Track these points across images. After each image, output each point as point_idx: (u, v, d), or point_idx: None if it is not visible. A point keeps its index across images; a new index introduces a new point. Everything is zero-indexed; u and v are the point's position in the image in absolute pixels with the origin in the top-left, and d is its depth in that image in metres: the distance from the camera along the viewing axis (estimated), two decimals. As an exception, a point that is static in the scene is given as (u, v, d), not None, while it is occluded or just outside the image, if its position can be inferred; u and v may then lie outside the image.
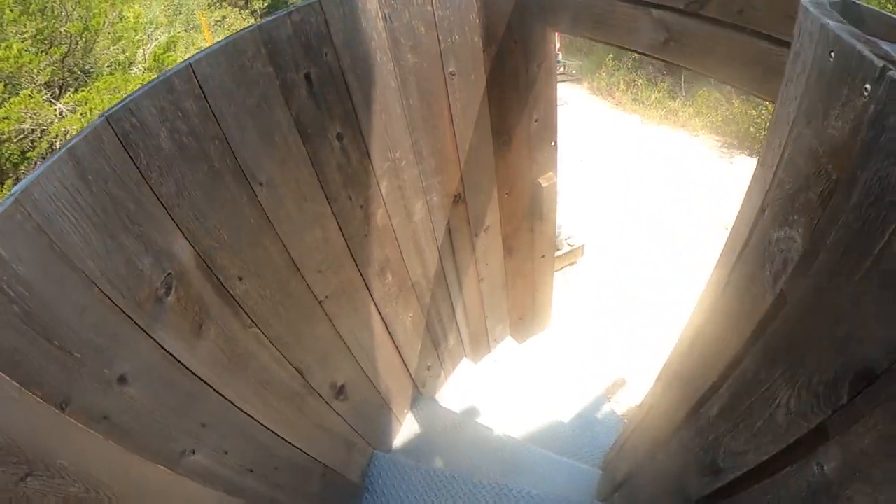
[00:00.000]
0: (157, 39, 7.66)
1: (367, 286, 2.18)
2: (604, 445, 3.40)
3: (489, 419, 3.30)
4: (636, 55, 10.42)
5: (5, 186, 4.70)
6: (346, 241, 1.97)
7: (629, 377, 4.21)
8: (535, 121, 2.48)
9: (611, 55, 10.35)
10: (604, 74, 9.89)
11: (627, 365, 4.28)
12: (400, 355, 2.68)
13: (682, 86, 9.09)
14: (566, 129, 8.15)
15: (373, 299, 2.25)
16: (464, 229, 2.56)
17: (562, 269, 5.19)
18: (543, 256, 3.19)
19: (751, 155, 7.32)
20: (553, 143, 2.67)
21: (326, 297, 1.99)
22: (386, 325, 2.42)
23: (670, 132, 7.97)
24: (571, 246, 5.11)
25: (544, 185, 2.69)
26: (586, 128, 8.03)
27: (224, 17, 11.68)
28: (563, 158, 7.31)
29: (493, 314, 3.30)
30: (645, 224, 5.85)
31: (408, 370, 2.83)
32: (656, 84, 9.25)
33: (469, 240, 2.64)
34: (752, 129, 7.46)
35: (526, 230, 2.92)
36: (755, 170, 1.22)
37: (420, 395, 3.15)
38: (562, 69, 9.82)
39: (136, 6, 7.35)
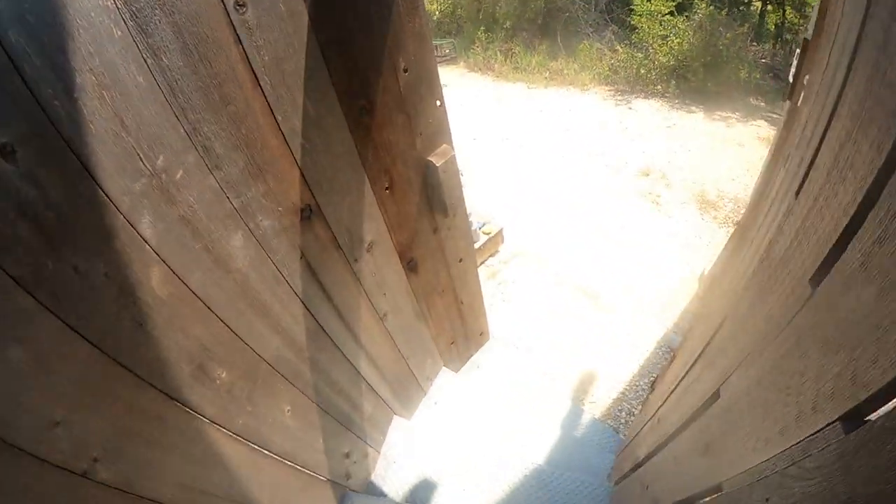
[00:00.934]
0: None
1: (180, 403, 1.23)
2: (599, 469, 2.64)
3: (448, 482, 2.43)
4: (508, 24, 9.91)
5: None
6: (97, 347, 1.02)
7: (597, 369, 3.50)
8: (405, 71, 1.62)
9: (482, 28, 9.78)
10: (478, 49, 9.28)
11: (588, 358, 3.57)
12: (294, 466, 1.75)
13: (561, 44, 8.67)
14: (451, 113, 7.44)
15: (202, 416, 1.30)
16: (331, 256, 1.66)
17: (484, 262, 4.41)
18: (461, 260, 2.36)
19: (647, 97, 6.96)
20: (438, 104, 1.83)
21: (95, 459, 1.04)
22: (247, 441, 1.49)
23: (560, 93, 7.46)
24: (489, 234, 4.34)
25: (438, 163, 1.85)
26: (472, 106, 7.35)
27: None
28: (455, 141, 6.57)
29: (414, 352, 2.42)
30: (559, 194, 5.21)
31: (316, 476, 1.90)
32: (534, 48, 8.76)
33: (346, 269, 1.74)
34: (642, 72, 7.11)
35: (428, 232, 2.06)
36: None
37: (348, 492, 2.23)
38: (436, 52, 9.14)
39: None
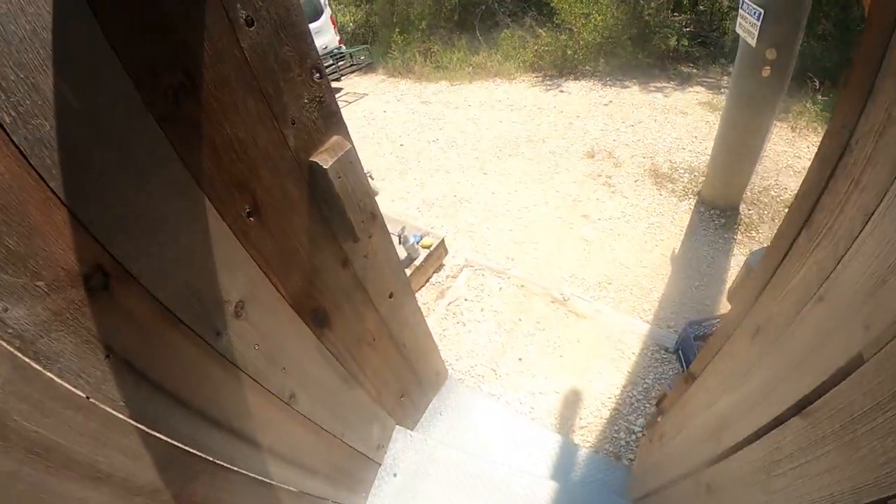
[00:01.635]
0: None
1: None
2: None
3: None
4: (424, 25, 9.40)
5: None
6: None
7: (579, 387, 2.96)
8: (250, 24, 1.01)
9: (397, 30, 9.25)
10: (396, 53, 8.74)
11: (567, 375, 3.03)
12: None
13: (480, 38, 8.24)
14: (375, 120, 6.84)
15: None
16: (169, 339, 1.01)
17: (428, 279, 3.81)
18: (392, 295, 1.74)
19: (577, 79, 6.58)
20: (318, 75, 1.20)
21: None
22: None
23: (487, 86, 6.98)
24: (429, 247, 3.74)
25: (328, 164, 1.23)
26: (396, 111, 6.78)
27: None
28: (382, 149, 5.92)
29: (349, 425, 1.78)
30: (504, 191, 4.68)
31: None
32: (454, 45, 8.30)
33: (202, 351, 1.09)
34: (568, 53, 6.74)
35: (334, 267, 1.44)
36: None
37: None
38: (350, 62, 8.54)
39: None
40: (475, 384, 3.03)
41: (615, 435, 2.74)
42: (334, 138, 1.30)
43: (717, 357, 1.40)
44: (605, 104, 5.82)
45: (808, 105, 5.20)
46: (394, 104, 7.06)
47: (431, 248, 3.74)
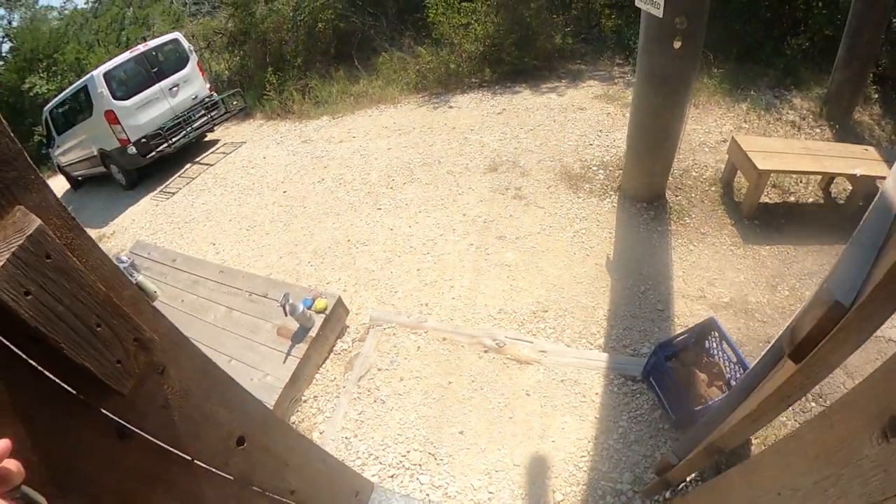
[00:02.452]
0: None
1: None
2: None
3: None
4: (300, 61, 8.64)
5: None
6: None
7: (545, 455, 2.26)
8: None
9: (270, 69, 8.48)
10: (272, 94, 7.96)
11: (526, 444, 2.33)
12: None
13: (359, 66, 7.65)
14: (255, 168, 5.99)
15: None
16: None
17: (331, 351, 3.02)
18: (242, 441, 0.97)
19: (465, 92, 6.11)
20: None
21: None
22: None
23: (370, 114, 6.35)
24: (324, 310, 2.94)
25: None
26: (277, 156, 5.97)
27: None
28: (264, 200, 5.09)
29: None
30: (408, 227, 3.98)
31: None
32: (332, 77, 7.66)
33: None
34: (452, 67, 6.28)
35: (102, 447, 0.65)
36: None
37: None
38: (223, 110, 7.63)
39: None
40: (412, 480, 2.26)
41: (600, 501, 2.08)
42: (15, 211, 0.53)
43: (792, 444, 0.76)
44: (499, 113, 5.34)
45: (705, 80, 5.00)
46: (274, 148, 6.25)
47: (327, 311, 2.95)
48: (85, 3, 19.43)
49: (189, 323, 3.15)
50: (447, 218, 3.89)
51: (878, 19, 4.08)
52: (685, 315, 2.93)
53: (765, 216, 3.57)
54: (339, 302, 3.05)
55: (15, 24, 16.14)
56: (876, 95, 4.83)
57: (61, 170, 9.06)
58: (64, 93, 7.82)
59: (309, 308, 2.94)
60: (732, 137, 3.61)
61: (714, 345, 2.44)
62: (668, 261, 3.27)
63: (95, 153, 7.20)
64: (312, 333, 2.84)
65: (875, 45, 4.23)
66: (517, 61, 6.05)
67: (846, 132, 4.46)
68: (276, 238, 4.29)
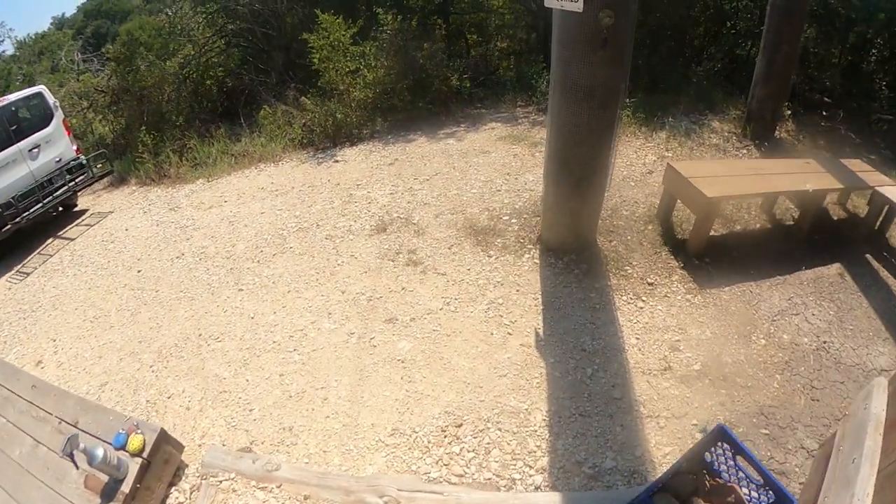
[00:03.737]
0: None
1: None
2: None
3: None
4: (182, 120, 7.53)
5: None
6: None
7: None
8: None
9: (143, 129, 7.31)
10: (146, 156, 6.76)
11: None
12: None
13: (243, 123, 6.66)
14: (114, 243, 4.73)
15: None
16: None
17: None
18: None
19: (354, 143, 5.25)
20: None
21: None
22: None
23: (248, 174, 5.33)
24: (139, 452, 1.84)
25: None
26: (140, 227, 4.77)
27: None
28: (115, 283, 3.89)
29: None
30: (267, 312, 2.91)
31: None
32: (212, 135, 6.61)
33: None
34: (339, 118, 5.44)
35: None
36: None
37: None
38: (91, 174, 6.27)
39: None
40: None
41: None
42: None
43: None
44: (391, 164, 4.49)
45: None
46: (139, 218, 5.05)
47: (145, 454, 1.83)
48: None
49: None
50: (322, 298, 2.87)
51: (796, 32, 3.81)
52: (653, 399, 2.07)
53: (714, 252, 2.88)
54: (164, 436, 1.95)
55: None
56: (788, 112, 4.49)
57: None
58: None
59: (122, 448, 1.83)
60: (668, 165, 2.92)
61: (722, 460, 1.56)
62: (616, 327, 2.43)
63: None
64: (125, 488, 1.80)
65: (794, 58, 3.93)
66: (410, 107, 5.32)
67: (773, 149, 4.02)
68: (119, 333, 3.11)
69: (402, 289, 2.79)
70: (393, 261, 3.04)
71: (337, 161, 4.84)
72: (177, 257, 3.90)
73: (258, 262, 3.44)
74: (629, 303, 2.56)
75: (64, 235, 5.66)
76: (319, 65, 5.90)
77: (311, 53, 6.02)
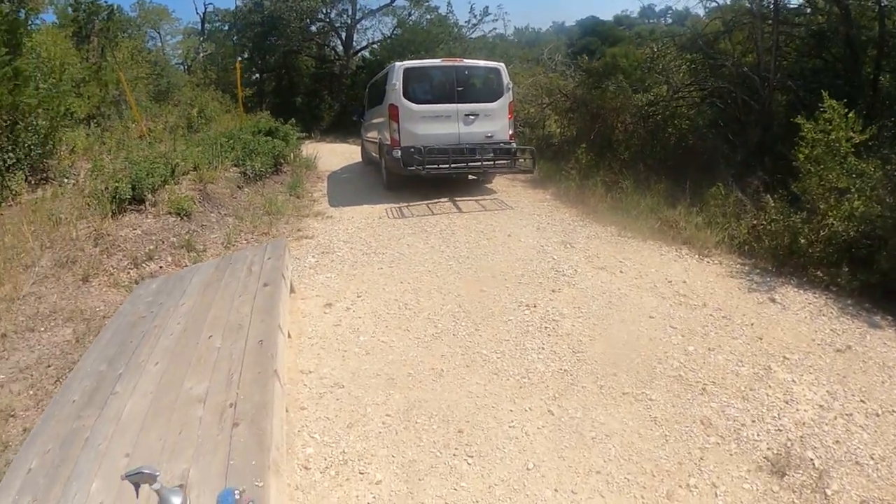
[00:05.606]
0: None
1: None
2: None
3: None
4: (627, 155, 7.65)
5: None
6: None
7: None
8: None
9: (584, 145, 7.94)
10: (573, 172, 7.42)
11: None
12: None
13: (688, 188, 6.37)
14: (490, 240, 5.30)
15: None
16: None
17: None
18: None
19: (801, 287, 4.34)
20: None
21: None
22: None
23: (666, 253, 5.14)
24: None
25: None
26: (522, 252, 5.21)
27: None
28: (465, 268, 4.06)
29: None
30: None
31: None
32: (649, 186, 6.60)
33: None
34: (801, 241, 4.60)
35: None
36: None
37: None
38: (506, 161, 7.11)
39: None
40: None
41: None
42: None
43: None
44: (839, 350, 3.44)
45: None
46: (528, 230, 5.54)
47: None
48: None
49: None
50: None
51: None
52: None
53: None
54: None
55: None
56: None
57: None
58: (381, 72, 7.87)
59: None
60: None
61: None
62: None
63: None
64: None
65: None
66: (882, 275, 4.05)
67: None
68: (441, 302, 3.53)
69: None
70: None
71: (772, 300, 4.13)
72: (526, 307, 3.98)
73: (601, 389, 3.02)
74: None
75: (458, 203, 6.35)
76: (802, 164, 5.06)
77: (797, 144, 5.18)
